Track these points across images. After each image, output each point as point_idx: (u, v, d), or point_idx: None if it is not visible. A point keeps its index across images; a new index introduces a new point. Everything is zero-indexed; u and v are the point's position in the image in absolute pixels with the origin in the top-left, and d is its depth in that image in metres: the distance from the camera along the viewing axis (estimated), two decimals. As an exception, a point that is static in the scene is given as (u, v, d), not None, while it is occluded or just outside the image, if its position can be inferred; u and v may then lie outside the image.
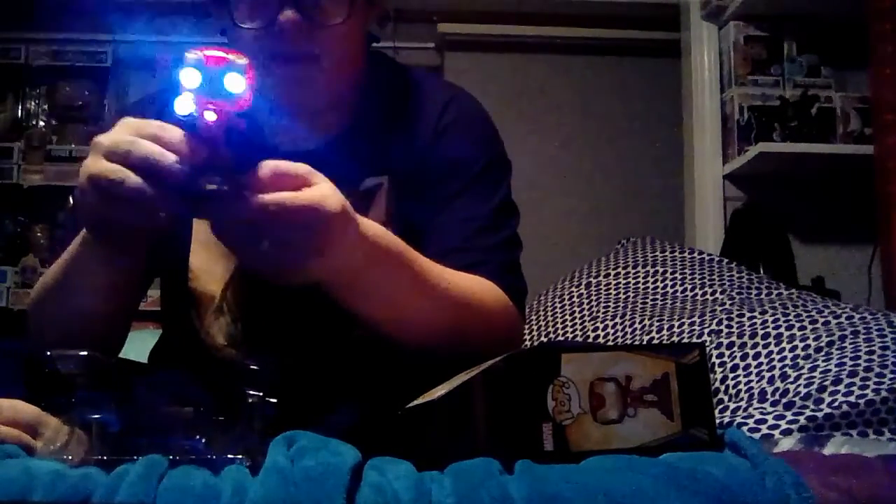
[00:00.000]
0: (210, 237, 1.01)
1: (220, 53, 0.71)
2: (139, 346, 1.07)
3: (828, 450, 0.81)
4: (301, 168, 0.75)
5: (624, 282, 1.62)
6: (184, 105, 0.72)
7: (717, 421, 0.93)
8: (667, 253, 1.66)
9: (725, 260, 1.66)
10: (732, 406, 1.12)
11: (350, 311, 0.87)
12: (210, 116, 0.71)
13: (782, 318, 1.22)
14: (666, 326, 1.37)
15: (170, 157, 0.71)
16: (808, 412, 1.01)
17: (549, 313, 1.64)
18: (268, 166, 0.73)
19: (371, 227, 0.84)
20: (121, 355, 1.00)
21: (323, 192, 0.75)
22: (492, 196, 1.03)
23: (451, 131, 1.04)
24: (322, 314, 0.99)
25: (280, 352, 0.82)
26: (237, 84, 0.71)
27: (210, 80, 0.70)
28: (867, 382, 1.03)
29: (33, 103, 3.06)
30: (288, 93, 0.97)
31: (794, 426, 1.00)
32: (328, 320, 0.99)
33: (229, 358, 0.99)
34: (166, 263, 1.04)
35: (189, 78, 0.71)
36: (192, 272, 1.02)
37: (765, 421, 1.02)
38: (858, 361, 1.07)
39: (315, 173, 0.76)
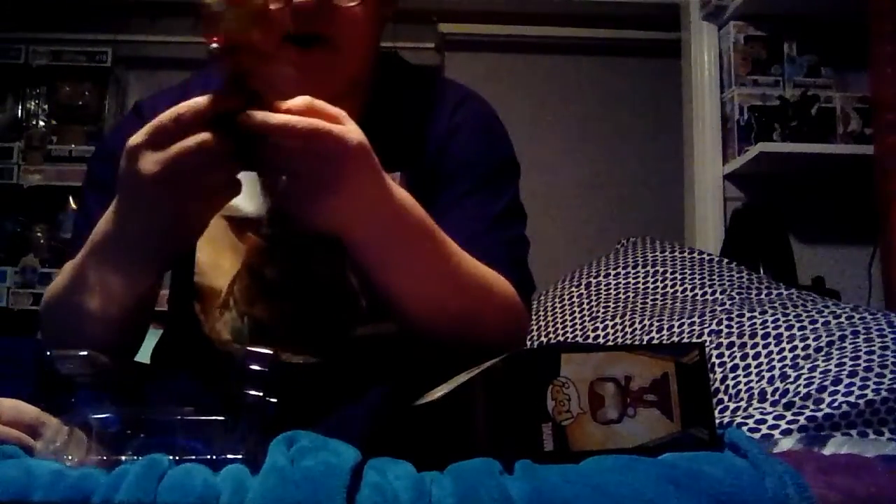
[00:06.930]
0: (218, 232, 1.01)
1: None
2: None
3: (828, 450, 0.81)
4: (334, 109, 0.77)
5: (624, 282, 1.62)
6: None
7: (717, 421, 0.93)
8: (667, 253, 1.67)
9: (725, 260, 1.66)
10: (732, 406, 1.12)
11: (369, 280, 0.87)
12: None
13: (782, 318, 1.22)
14: (666, 326, 1.37)
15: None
16: (808, 412, 1.01)
17: (549, 313, 1.64)
18: (303, 99, 0.75)
19: (397, 189, 0.84)
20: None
21: (346, 127, 0.76)
22: (501, 196, 1.03)
23: (461, 132, 1.04)
24: (328, 311, 1.00)
25: (284, 348, 0.82)
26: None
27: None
28: (867, 382, 1.03)
29: (33, 103, 3.06)
30: (302, 77, 0.96)
31: (794, 426, 1.00)
32: (334, 317, 0.99)
33: (234, 353, 0.99)
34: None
35: None
36: (198, 267, 1.02)
37: (765, 421, 1.02)
38: (858, 361, 1.07)
39: (347, 117, 0.78)
